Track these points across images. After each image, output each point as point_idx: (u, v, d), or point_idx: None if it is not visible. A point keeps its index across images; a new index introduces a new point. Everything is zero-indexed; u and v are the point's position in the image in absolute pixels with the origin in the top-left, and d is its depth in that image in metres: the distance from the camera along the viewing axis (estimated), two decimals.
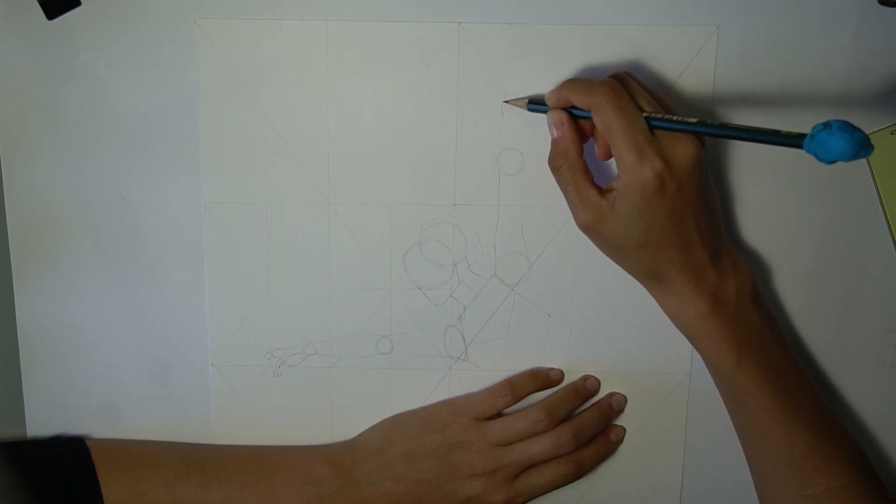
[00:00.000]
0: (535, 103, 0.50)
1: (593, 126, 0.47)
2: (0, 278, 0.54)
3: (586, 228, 0.47)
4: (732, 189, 0.52)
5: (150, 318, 0.54)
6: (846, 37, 0.50)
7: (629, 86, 0.46)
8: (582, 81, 0.47)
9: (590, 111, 0.46)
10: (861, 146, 0.37)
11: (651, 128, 0.45)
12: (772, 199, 0.52)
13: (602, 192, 0.46)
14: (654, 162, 0.44)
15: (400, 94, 0.51)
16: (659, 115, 0.45)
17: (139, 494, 0.51)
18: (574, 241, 0.53)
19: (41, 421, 0.56)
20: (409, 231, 0.53)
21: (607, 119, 0.45)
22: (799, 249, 0.53)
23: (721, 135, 0.44)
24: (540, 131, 0.51)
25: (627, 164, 0.44)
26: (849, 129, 0.37)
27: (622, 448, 0.56)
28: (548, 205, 0.52)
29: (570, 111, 0.48)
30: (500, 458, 0.52)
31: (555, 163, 0.48)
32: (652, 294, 0.49)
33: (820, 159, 0.38)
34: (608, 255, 0.49)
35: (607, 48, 0.50)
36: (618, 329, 0.54)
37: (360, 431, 0.55)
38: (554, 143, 0.49)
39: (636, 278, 0.49)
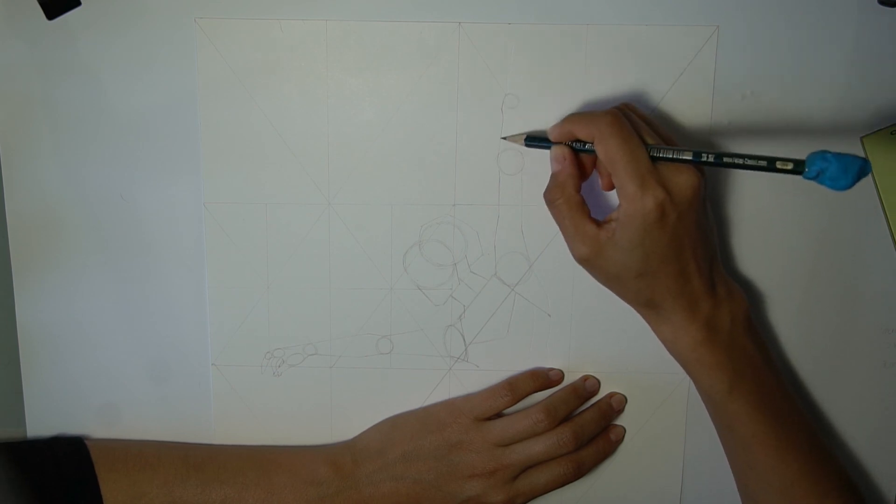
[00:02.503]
0: (534, 139, 0.50)
1: (594, 162, 0.48)
2: (0, 278, 0.54)
3: (584, 261, 0.48)
4: (733, 188, 0.52)
5: (150, 318, 0.54)
6: (846, 37, 0.50)
7: (630, 117, 0.47)
8: (584, 113, 0.48)
9: (592, 141, 0.46)
10: (861, 174, 0.38)
11: (652, 158, 0.45)
12: (772, 199, 0.52)
13: (599, 224, 0.47)
14: (656, 191, 0.44)
15: (400, 94, 0.51)
16: (660, 146, 0.45)
17: (139, 495, 0.51)
18: None
19: (41, 421, 0.56)
20: (409, 231, 0.53)
21: (610, 148, 0.45)
22: (799, 249, 0.53)
23: (720, 165, 0.44)
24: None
25: (629, 193, 0.44)
26: (846, 161, 0.39)
27: (622, 448, 0.56)
28: None
29: (572, 146, 0.48)
30: (500, 459, 0.52)
31: (551, 196, 0.48)
32: (647, 321, 0.49)
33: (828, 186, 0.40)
34: (606, 285, 0.49)
35: (607, 48, 0.50)
36: (618, 329, 0.54)
37: (360, 431, 0.55)
38: (553, 176, 0.49)
39: (632, 306, 0.49)
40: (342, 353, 0.55)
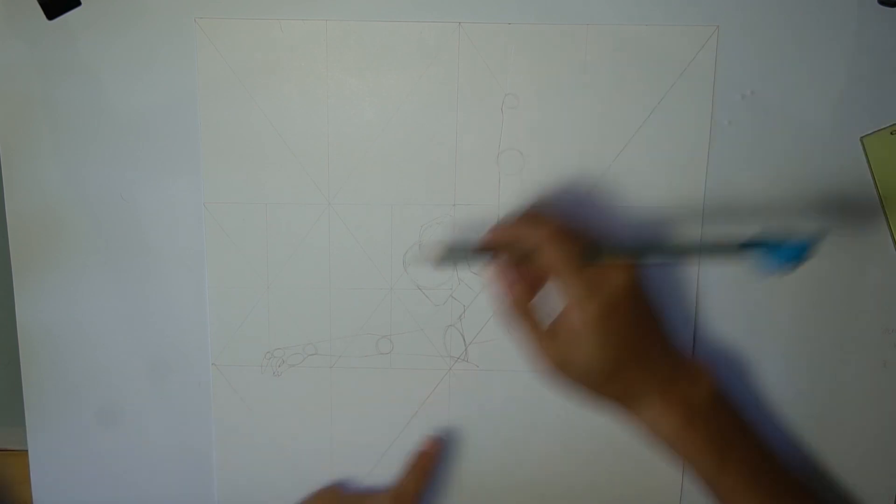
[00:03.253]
0: (457, 248, 0.51)
1: (536, 273, 0.49)
2: (0, 278, 0.54)
3: (552, 372, 0.48)
4: (734, 189, 0.52)
5: (150, 318, 0.54)
6: (846, 37, 0.50)
7: (563, 223, 0.48)
8: (520, 223, 0.49)
9: (532, 251, 0.47)
10: (801, 257, 0.39)
11: (590, 259, 0.46)
12: (772, 199, 0.52)
13: (556, 331, 0.47)
14: (598, 293, 0.45)
15: (400, 94, 0.51)
16: (594, 249, 0.46)
17: None
18: None
19: (41, 421, 0.56)
20: (409, 231, 0.53)
21: (551, 258, 0.46)
22: None
23: (655, 258, 0.46)
24: (540, 131, 0.51)
25: (574, 299, 0.46)
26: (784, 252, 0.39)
27: (622, 448, 0.56)
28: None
29: (508, 257, 0.49)
30: None
31: (507, 310, 0.49)
32: (630, 415, 0.49)
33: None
34: (580, 393, 0.49)
35: (607, 48, 0.50)
36: None
37: (358, 434, 0.55)
38: (505, 295, 0.49)
39: (612, 406, 0.49)
40: (342, 353, 0.55)
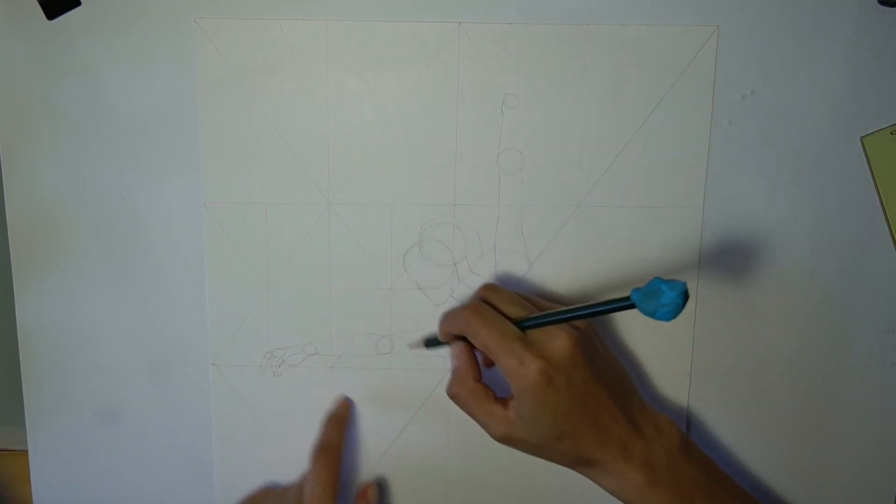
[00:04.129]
0: (433, 341, 0.52)
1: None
2: (0, 278, 0.54)
3: (504, 440, 0.48)
4: (732, 187, 0.52)
5: (150, 318, 0.54)
6: (846, 37, 0.50)
7: (494, 296, 0.48)
8: (449, 312, 0.50)
9: (465, 336, 0.48)
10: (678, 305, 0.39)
11: (523, 329, 0.46)
12: (772, 198, 0.52)
13: (505, 403, 0.47)
14: (534, 362, 0.45)
15: (400, 94, 0.51)
16: (527, 317, 0.47)
17: None
18: (574, 242, 0.53)
19: (41, 421, 0.56)
20: (409, 231, 0.53)
21: (480, 338, 0.47)
22: (799, 249, 0.53)
23: (574, 317, 0.45)
24: (540, 131, 0.51)
25: (511, 372, 0.45)
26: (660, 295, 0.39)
27: None
28: (548, 205, 0.52)
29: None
30: None
31: (454, 391, 0.49)
32: (591, 479, 0.49)
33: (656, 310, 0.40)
34: (536, 455, 0.49)
35: (607, 48, 0.50)
36: (617, 329, 0.54)
37: (354, 434, 0.56)
38: (453, 373, 0.50)
39: (571, 469, 0.49)
40: (342, 353, 0.55)
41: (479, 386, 0.49)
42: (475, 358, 0.50)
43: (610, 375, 0.48)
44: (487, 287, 0.50)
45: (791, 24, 0.50)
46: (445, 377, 0.55)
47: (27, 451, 0.57)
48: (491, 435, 0.48)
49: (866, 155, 0.52)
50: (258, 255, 0.54)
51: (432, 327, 0.54)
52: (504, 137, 0.52)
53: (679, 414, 0.55)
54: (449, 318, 0.50)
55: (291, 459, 0.56)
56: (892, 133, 0.51)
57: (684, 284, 0.39)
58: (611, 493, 0.48)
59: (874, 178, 0.52)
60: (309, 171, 0.52)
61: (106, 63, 0.51)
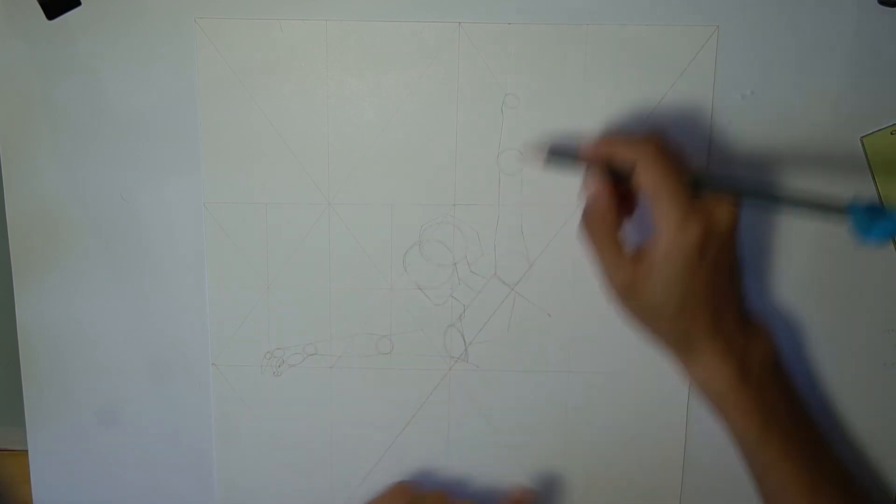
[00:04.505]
0: (558, 153, 0.47)
1: (630, 194, 0.46)
2: (0, 278, 0.54)
3: (622, 295, 0.45)
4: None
5: (150, 318, 0.54)
6: (846, 37, 0.50)
7: (668, 144, 0.45)
8: (625, 136, 0.46)
9: (633, 166, 0.44)
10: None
11: (691, 190, 0.43)
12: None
13: (636, 257, 0.44)
14: (698, 225, 0.42)
15: (400, 94, 0.51)
16: (704, 175, 0.43)
17: None
18: (574, 241, 0.53)
19: (41, 421, 0.56)
20: (409, 231, 0.53)
21: (653, 175, 0.43)
22: (799, 250, 0.53)
23: (762, 202, 0.42)
24: (540, 131, 0.51)
25: (670, 224, 0.42)
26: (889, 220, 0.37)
27: (622, 448, 0.56)
28: (548, 205, 0.52)
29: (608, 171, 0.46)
30: None
31: (592, 224, 0.45)
32: (678, 361, 0.47)
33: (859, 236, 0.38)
34: (640, 322, 0.46)
35: (607, 48, 0.50)
36: (618, 329, 0.54)
37: (360, 433, 0.55)
38: (592, 202, 0.46)
39: (664, 345, 0.47)
40: (342, 353, 0.55)
41: (615, 228, 0.45)
42: (619, 196, 0.45)
43: (739, 266, 0.46)
44: (658, 133, 0.46)
45: (791, 24, 0.50)
46: (446, 377, 0.55)
47: (27, 451, 0.57)
48: (609, 283, 0.45)
49: (866, 155, 0.52)
50: (258, 255, 0.54)
51: (432, 327, 0.54)
52: (504, 137, 0.52)
53: (679, 413, 0.55)
54: (621, 142, 0.44)
55: (291, 459, 0.56)
56: (892, 133, 0.51)
57: None
58: (696, 383, 0.46)
59: (874, 178, 0.52)
60: (309, 171, 0.52)
61: (106, 63, 0.51)
